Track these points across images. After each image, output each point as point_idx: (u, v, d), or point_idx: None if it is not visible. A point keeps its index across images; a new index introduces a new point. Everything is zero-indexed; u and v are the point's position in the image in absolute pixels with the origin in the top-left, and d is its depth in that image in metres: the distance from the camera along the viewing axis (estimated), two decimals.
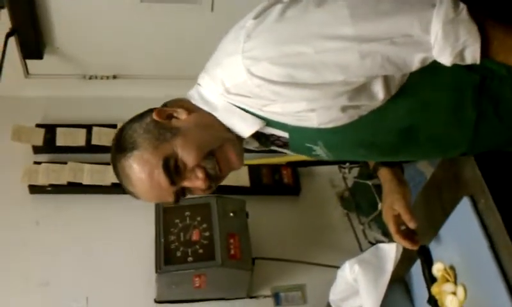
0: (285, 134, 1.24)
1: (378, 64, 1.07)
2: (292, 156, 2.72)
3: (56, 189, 2.62)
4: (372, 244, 2.09)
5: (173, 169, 1.19)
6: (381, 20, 1.06)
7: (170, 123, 1.22)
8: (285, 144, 1.28)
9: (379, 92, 1.13)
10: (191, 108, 1.24)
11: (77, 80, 3.00)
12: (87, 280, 2.37)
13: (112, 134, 2.68)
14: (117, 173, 1.25)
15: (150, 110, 1.25)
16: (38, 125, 2.84)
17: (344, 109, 1.13)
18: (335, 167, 2.59)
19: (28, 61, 2.92)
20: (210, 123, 1.22)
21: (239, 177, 2.63)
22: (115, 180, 2.60)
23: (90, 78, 3.01)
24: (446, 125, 1.22)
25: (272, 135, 1.26)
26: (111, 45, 2.90)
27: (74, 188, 2.62)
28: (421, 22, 1.05)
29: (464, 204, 1.40)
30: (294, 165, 2.72)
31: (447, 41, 1.04)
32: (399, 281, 1.74)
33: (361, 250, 2.31)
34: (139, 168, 1.19)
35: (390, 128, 1.20)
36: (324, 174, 2.70)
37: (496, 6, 1.21)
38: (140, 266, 2.32)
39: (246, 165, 2.69)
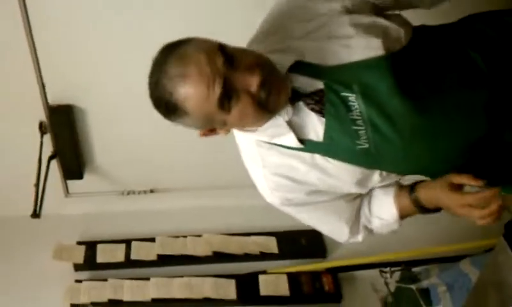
0: (320, 84, 1.24)
1: None
2: (331, 262, 2.71)
3: None
4: None
5: (229, 55, 1.15)
6: None
7: None
8: (319, 100, 1.26)
9: None
10: None
11: (115, 196, 3.08)
12: None
13: (151, 248, 2.78)
14: (163, 65, 1.18)
15: None
16: (78, 243, 2.89)
17: None
18: (377, 272, 2.55)
19: (68, 181, 3.02)
20: None
21: (278, 286, 2.61)
22: (155, 296, 2.63)
23: (128, 193, 3.09)
24: None
25: (308, 93, 1.26)
26: (147, 161, 2.99)
27: (115, 305, 2.63)
28: None
29: None
30: (334, 271, 2.70)
31: None
32: None
33: None
34: (197, 46, 1.15)
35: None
36: (366, 279, 2.65)
37: None
38: None
39: (285, 273, 2.68)
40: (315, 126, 1.30)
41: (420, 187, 1.43)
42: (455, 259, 2.50)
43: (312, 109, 1.28)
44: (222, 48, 1.16)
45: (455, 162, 1.38)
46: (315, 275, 2.68)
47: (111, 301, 2.62)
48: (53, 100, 2.68)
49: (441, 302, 2.23)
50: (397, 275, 2.47)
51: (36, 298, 2.67)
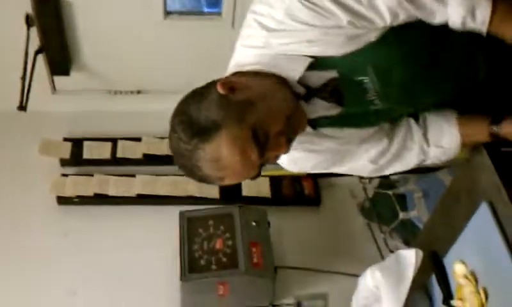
0: (333, 73, 1.23)
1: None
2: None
3: (83, 200, 2.69)
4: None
5: (261, 139, 1.14)
6: None
7: (238, 95, 1.16)
8: (334, 90, 1.26)
9: None
10: (246, 78, 1.19)
11: (102, 95, 3.09)
12: (113, 289, 2.42)
13: (136, 147, 2.81)
14: (194, 161, 1.15)
15: (204, 88, 1.19)
16: (65, 139, 2.92)
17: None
18: (356, 179, 2.62)
19: (55, 77, 3.01)
20: (275, 88, 1.19)
21: (260, 188, 2.68)
22: (140, 191, 2.69)
23: (115, 93, 3.09)
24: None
25: (321, 86, 1.25)
26: (135, 61, 2.99)
27: (100, 199, 2.69)
28: None
29: (483, 210, 1.42)
30: (314, 177, 2.76)
31: None
32: (420, 287, 1.76)
33: (383, 259, 2.32)
34: (230, 146, 1.12)
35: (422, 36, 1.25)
36: (345, 186, 2.73)
37: None
38: (165, 275, 2.37)
39: (267, 176, 2.74)
40: (330, 110, 1.30)
41: (508, 124, 1.40)
42: (434, 170, 2.56)
43: (328, 100, 1.28)
44: (255, 135, 1.14)
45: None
46: (296, 179, 2.75)
47: (97, 195, 2.68)
48: None
49: (416, 207, 2.31)
50: (375, 182, 2.54)
51: (23, 190, 2.73)
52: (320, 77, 1.24)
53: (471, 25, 1.18)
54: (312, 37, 1.16)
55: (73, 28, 2.82)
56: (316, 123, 1.32)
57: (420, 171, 2.61)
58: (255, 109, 1.15)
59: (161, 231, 2.48)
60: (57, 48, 2.81)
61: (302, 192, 2.71)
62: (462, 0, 1.15)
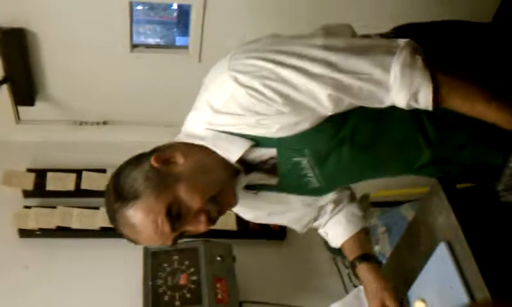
0: (272, 151, 1.28)
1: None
2: None
3: (46, 233, 2.64)
4: None
5: (175, 215, 1.20)
6: (349, 57, 1.18)
7: (169, 168, 1.23)
8: (273, 168, 1.32)
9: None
10: (185, 151, 1.25)
11: (67, 125, 3.06)
12: None
13: (101, 179, 2.79)
14: (116, 221, 1.23)
15: (145, 156, 1.25)
16: (28, 170, 2.88)
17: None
18: None
19: (19, 107, 2.98)
20: (208, 166, 1.24)
21: (226, 221, 2.67)
22: (104, 224, 2.66)
23: (81, 124, 3.07)
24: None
25: (261, 162, 1.31)
26: (101, 92, 2.98)
27: (63, 232, 2.65)
28: (383, 64, 1.17)
29: (441, 250, 1.45)
30: None
31: (403, 83, 1.17)
32: None
33: (347, 293, 2.34)
34: (143, 217, 1.19)
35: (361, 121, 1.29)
36: None
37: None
38: None
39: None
40: (269, 180, 1.37)
41: (363, 270, 1.56)
42: (397, 204, 2.60)
43: (267, 172, 1.34)
44: (169, 211, 1.20)
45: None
46: None
47: (60, 228, 2.64)
48: (5, 22, 2.60)
49: (380, 242, 2.33)
50: None
51: None
52: (261, 155, 1.29)
53: (416, 106, 1.22)
54: (252, 121, 1.21)
55: (38, 58, 2.80)
56: (256, 188, 1.39)
57: (383, 204, 2.66)
58: (178, 185, 1.21)
59: (125, 265, 2.45)
60: (21, 78, 2.79)
61: (267, 225, 2.71)
62: (403, 86, 1.18)
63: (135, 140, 2.85)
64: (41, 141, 3.00)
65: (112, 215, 1.24)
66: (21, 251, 2.61)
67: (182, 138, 1.30)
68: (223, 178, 1.26)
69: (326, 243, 2.58)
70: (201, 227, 1.23)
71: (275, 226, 2.71)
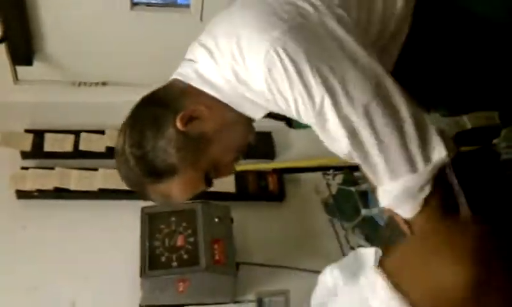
0: None
1: None
2: (277, 163, 2.77)
3: (43, 194, 2.63)
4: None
5: (213, 177, 1.25)
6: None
7: (196, 127, 1.21)
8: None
9: None
10: (208, 104, 1.22)
11: (66, 86, 3.03)
12: (73, 285, 2.38)
13: (100, 140, 2.78)
14: (145, 191, 1.24)
15: (163, 115, 1.21)
16: (26, 131, 2.86)
17: None
18: (320, 174, 2.62)
19: (17, 67, 2.94)
20: (233, 118, 1.24)
21: (224, 183, 2.65)
22: (102, 186, 2.64)
23: (79, 84, 3.04)
24: None
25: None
26: (101, 51, 2.94)
27: (61, 193, 2.64)
28: (397, 168, 1.21)
29: None
30: (280, 172, 2.75)
31: (396, 200, 1.29)
32: None
33: (344, 255, 2.33)
34: (181, 187, 1.22)
35: None
36: (309, 181, 2.73)
37: None
38: (125, 271, 2.34)
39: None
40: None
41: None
42: None
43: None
44: (207, 176, 1.23)
45: None
46: (261, 174, 2.73)
47: (57, 189, 2.63)
48: None
49: (378, 205, 2.31)
50: (339, 178, 2.54)
51: None
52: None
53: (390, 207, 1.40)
54: (270, 107, 1.23)
55: (36, 18, 2.75)
56: None
57: None
58: (212, 148, 1.22)
59: (122, 227, 2.45)
60: (19, 38, 2.75)
61: (266, 187, 2.70)
62: (392, 198, 1.30)
63: (134, 101, 2.86)
64: (40, 102, 2.98)
65: (140, 187, 1.23)
66: (19, 212, 2.61)
67: (193, 77, 1.26)
68: (246, 129, 1.28)
69: (324, 205, 2.59)
70: (229, 173, 1.29)
71: (274, 187, 2.70)
